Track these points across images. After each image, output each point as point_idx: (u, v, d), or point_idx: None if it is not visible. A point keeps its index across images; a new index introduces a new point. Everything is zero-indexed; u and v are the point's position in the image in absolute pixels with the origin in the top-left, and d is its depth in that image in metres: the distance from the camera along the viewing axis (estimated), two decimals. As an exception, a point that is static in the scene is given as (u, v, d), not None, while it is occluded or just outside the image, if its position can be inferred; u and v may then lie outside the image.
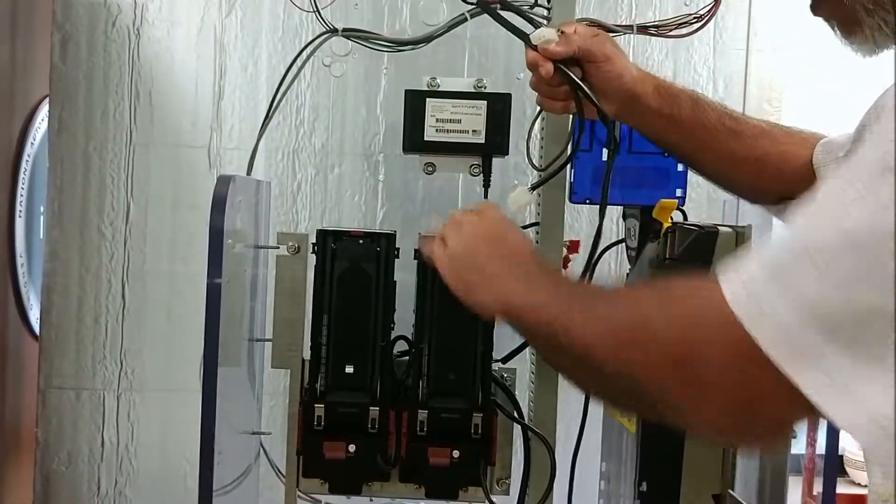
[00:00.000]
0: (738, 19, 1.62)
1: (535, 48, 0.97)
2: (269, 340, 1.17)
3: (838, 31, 0.71)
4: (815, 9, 0.72)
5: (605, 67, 0.98)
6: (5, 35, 1.62)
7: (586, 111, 0.99)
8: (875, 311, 0.50)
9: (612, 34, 1.16)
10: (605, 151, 1.11)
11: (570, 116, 1.07)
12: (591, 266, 1.03)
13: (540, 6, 1.13)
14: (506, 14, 1.05)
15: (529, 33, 0.98)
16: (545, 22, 1.09)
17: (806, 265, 0.52)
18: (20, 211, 1.64)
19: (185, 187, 1.63)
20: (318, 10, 1.11)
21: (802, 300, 0.52)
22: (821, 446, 2.23)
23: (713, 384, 0.57)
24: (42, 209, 1.66)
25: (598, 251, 1.03)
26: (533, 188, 1.03)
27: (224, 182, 1.00)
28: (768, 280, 0.54)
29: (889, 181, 0.50)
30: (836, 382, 0.51)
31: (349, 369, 1.07)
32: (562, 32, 0.97)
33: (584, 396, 1.17)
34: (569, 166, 1.17)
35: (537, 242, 1.12)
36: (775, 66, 1.64)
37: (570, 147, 1.08)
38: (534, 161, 1.14)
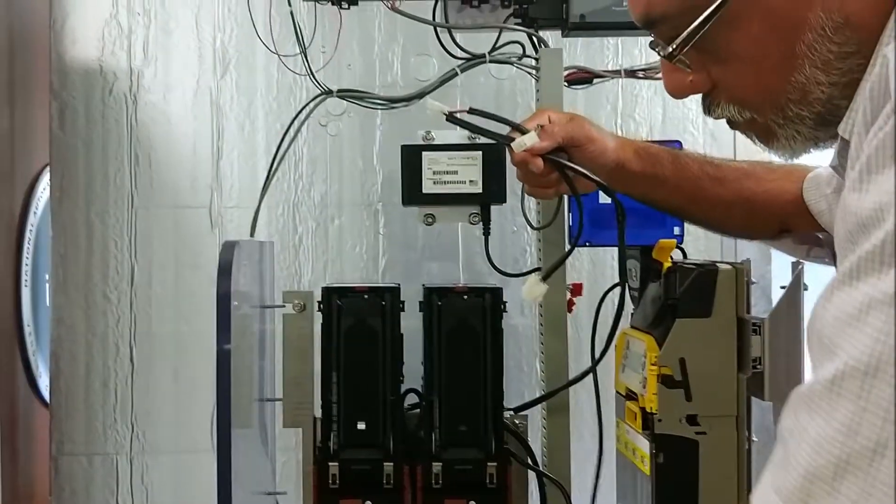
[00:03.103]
0: (723, 52, 1.65)
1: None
2: (279, 400, 1.18)
3: (759, 142, 0.75)
4: (732, 126, 0.76)
5: (589, 148, 1.01)
6: (4, 105, 1.65)
7: (581, 185, 1.02)
8: None
9: (600, 79, 1.19)
10: (600, 194, 1.12)
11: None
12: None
13: (528, 57, 1.16)
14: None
15: (510, 136, 1.01)
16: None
17: (815, 494, 0.51)
18: (26, 280, 1.65)
19: (188, 248, 1.65)
20: (311, 73, 1.13)
21: None
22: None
23: None
24: (47, 277, 1.67)
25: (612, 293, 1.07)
26: (544, 278, 1.04)
27: (229, 248, 1.02)
28: None
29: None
30: None
31: (361, 426, 1.08)
32: (541, 128, 0.99)
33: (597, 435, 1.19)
34: (566, 210, 1.19)
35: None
36: (763, 95, 1.66)
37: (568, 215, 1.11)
38: (529, 217, 1.17)
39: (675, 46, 0.70)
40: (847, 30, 0.64)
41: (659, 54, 0.74)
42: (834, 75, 0.66)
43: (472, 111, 1.04)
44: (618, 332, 1.09)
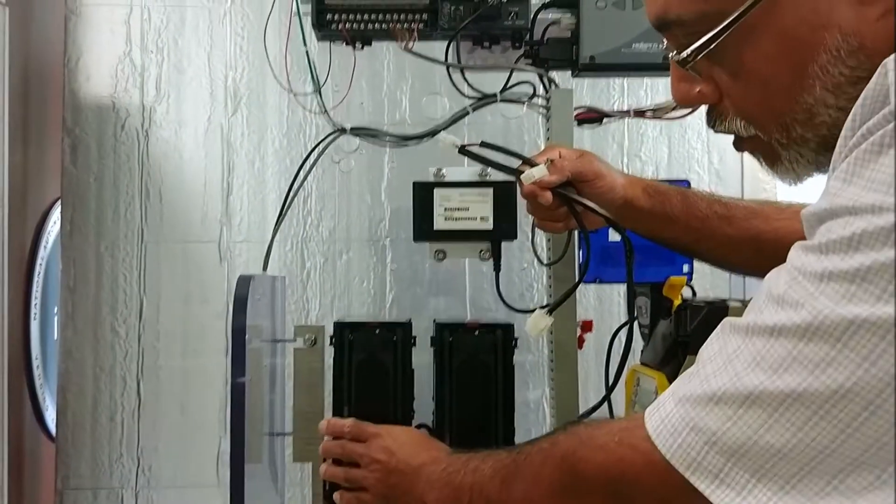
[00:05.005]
0: (727, 92, 1.67)
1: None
2: (288, 434, 1.18)
3: (764, 164, 0.75)
4: (739, 146, 0.75)
5: (598, 184, 1.02)
6: (17, 141, 1.66)
7: (590, 221, 1.03)
8: (779, 452, 0.55)
9: (609, 118, 1.21)
10: (610, 231, 1.14)
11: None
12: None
13: (538, 97, 1.18)
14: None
15: (520, 169, 1.03)
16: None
17: (714, 411, 0.58)
18: (35, 313, 1.65)
19: (196, 282, 1.66)
20: (326, 112, 1.15)
21: (714, 437, 0.58)
22: None
23: None
24: (56, 310, 1.68)
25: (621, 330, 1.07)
26: (549, 311, 1.05)
27: (244, 283, 1.03)
28: (684, 421, 0.61)
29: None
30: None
31: (372, 461, 1.08)
32: (551, 162, 1.01)
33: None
34: (576, 246, 1.21)
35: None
36: (767, 135, 1.68)
37: (578, 252, 1.12)
38: (538, 253, 1.17)
39: (688, 53, 0.70)
40: (861, 54, 0.64)
41: (671, 59, 0.73)
42: (843, 99, 0.65)
43: (483, 145, 1.06)
44: (626, 369, 1.10)
